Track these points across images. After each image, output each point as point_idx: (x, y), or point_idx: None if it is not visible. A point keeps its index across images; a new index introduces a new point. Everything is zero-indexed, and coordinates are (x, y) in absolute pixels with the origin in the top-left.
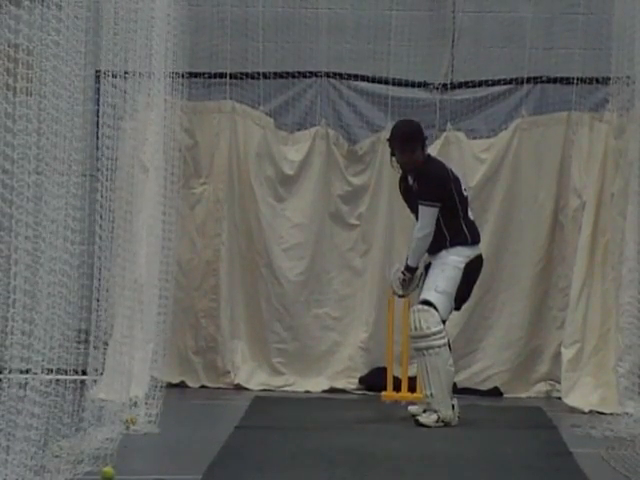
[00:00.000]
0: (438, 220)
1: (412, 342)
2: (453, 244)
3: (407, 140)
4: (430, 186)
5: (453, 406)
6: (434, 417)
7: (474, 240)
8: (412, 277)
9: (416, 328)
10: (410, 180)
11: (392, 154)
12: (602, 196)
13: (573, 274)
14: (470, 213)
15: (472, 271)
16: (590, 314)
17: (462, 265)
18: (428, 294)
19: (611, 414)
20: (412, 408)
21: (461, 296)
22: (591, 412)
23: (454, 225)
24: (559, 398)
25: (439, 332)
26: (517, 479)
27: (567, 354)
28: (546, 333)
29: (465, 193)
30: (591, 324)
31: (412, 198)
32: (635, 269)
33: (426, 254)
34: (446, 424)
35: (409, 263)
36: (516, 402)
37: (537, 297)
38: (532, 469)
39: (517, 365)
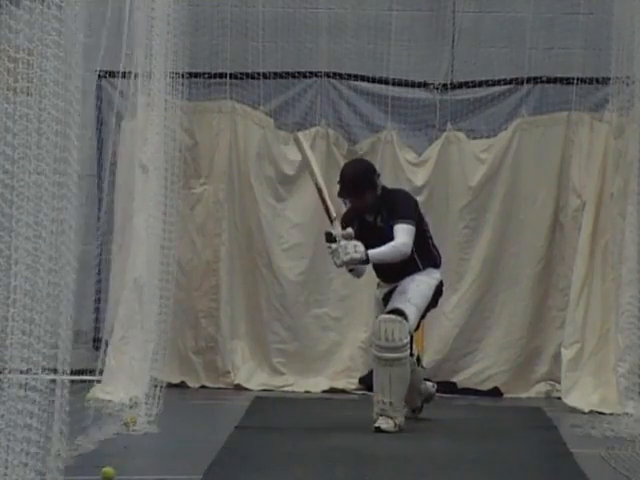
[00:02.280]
0: (412, 252)
1: (377, 351)
2: (425, 266)
3: (355, 186)
4: (406, 205)
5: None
6: (392, 423)
7: (440, 264)
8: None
9: (387, 339)
10: (370, 217)
11: (340, 196)
12: (602, 196)
13: (573, 274)
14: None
15: (437, 294)
16: (590, 314)
17: (434, 286)
18: (402, 304)
19: (611, 414)
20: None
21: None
22: (591, 412)
23: (424, 249)
24: (559, 398)
25: (407, 344)
26: (517, 479)
27: (567, 354)
28: (546, 333)
29: (426, 219)
30: (591, 324)
31: (373, 233)
32: (635, 269)
33: (385, 285)
34: (400, 429)
35: (370, 257)
36: (516, 402)
37: (537, 297)
38: (532, 469)
39: (517, 365)
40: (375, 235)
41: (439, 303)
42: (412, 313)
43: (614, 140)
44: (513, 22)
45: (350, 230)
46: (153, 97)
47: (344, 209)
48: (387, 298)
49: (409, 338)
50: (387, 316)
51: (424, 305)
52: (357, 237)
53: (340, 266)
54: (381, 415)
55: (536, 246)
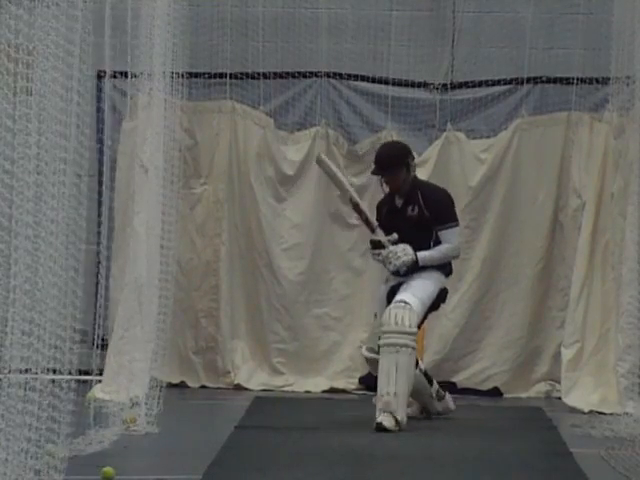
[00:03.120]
0: (429, 242)
1: (385, 337)
2: (437, 268)
3: (389, 163)
4: (451, 207)
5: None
6: (393, 421)
7: (451, 272)
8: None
9: (397, 323)
10: (399, 202)
11: (374, 173)
12: (602, 196)
13: (573, 274)
14: None
15: (439, 299)
16: (590, 314)
17: (439, 289)
18: (407, 296)
19: (611, 414)
20: (408, 410)
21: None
22: (591, 412)
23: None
24: (559, 398)
25: (415, 334)
26: (517, 479)
27: (567, 354)
28: (546, 333)
29: None
30: (591, 324)
31: (400, 220)
32: (635, 269)
33: (393, 279)
34: (400, 428)
35: (419, 259)
36: (516, 402)
37: (537, 297)
38: (532, 469)
39: (517, 365)
40: (402, 222)
41: (440, 307)
42: (417, 306)
43: (614, 140)
44: (513, 22)
45: (395, 235)
46: (153, 97)
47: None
48: (392, 292)
49: (417, 330)
50: (396, 304)
51: (429, 302)
52: (384, 221)
53: (394, 271)
54: (384, 411)
55: (536, 246)
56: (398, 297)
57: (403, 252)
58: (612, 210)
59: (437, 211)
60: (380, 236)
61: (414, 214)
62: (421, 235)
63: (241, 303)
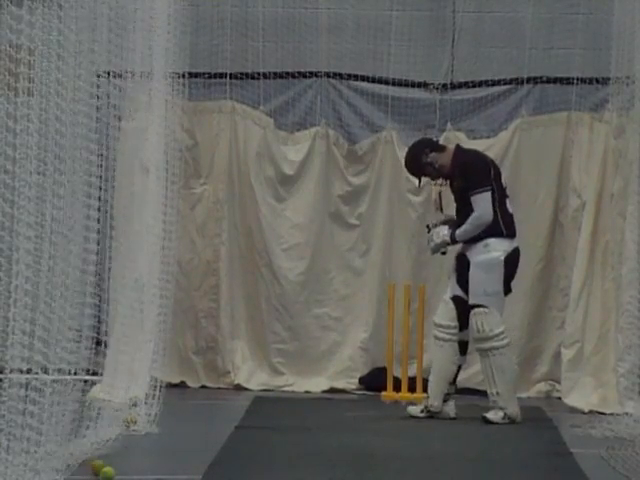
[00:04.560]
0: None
1: (475, 343)
2: (488, 235)
3: (412, 172)
4: (477, 171)
5: (446, 399)
6: (501, 414)
7: (510, 233)
8: (446, 246)
9: (479, 330)
10: (451, 182)
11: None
12: (602, 196)
13: (573, 274)
14: (509, 206)
15: (510, 264)
16: (590, 314)
17: (502, 259)
18: (481, 299)
19: (611, 414)
20: (411, 409)
21: (506, 284)
22: (591, 412)
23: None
24: (559, 398)
25: (501, 333)
26: (517, 479)
27: (567, 354)
28: (546, 333)
29: (504, 184)
30: (591, 324)
31: (455, 199)
32: (635, 269)
33: (461, 243)
34: (512, 421)
35: (457, 238)
36: None
37: (537, 297)
38: (532, 469)
39: (517, 365)
40: (454, 197)
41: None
42: (493, 303)
43: (614, 140)
44: (513, 22)
45: (446, 215)
46: (153, 97)
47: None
48: (459, 260)
49: (502, 327)
50: (475, 309)
51: (500, 285)
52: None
53: (434, 252)
54: (492, 408)
55: (536, 246)
56: (472, 300)
57: (437, 235)
58: (612, 210)
59: (463, 178)
60: (437, 217)
61: (454, 187)
62: (467, 206)
63: (241, 303)
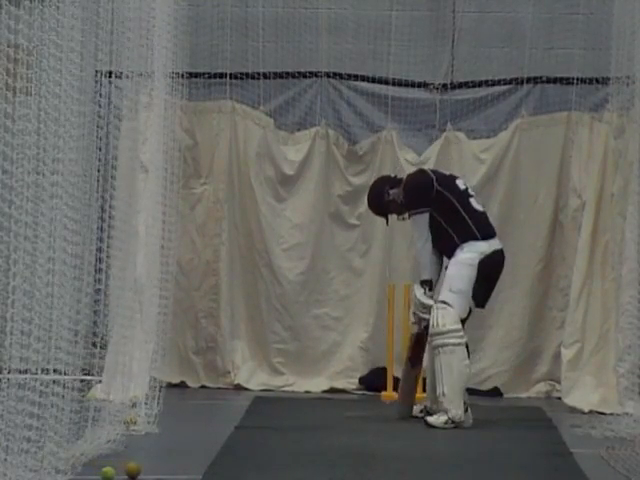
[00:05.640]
0: (440, 223)
1: (430, 340)
2: (463, 241)
3: (377, 212)
4: (410, 196)
5: (467, 408)
6: (443, 418)
7: (485, 234)
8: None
9: (434, 325)
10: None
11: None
12: (602, 196)
13: (573, 274)
14: (477, 205)
15: (489, 267)
16: (590, 314)
17: (476, 262)
18: (444, 295)
19: (611, 414)
20: (429, 419)
21: (482, 293)
22: (591, 412)
23: (457, 221)
24: (559, 398)
25: (456, 330)
26: (517, 479)
27: (567, 354)
28: (546, 333)
29: (463, 187)
30: (591, 324)
31: None
32: (635, 269)
33: (446, 259)
34: (457, 425)
35: (422, 277)
36: (516, 402)
37: (537, 297)
38: (532, 469)
39: (517, 365)
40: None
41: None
42: (455, 301)
43: (614, 140)
44: (513, 22)
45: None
46: (153, 97)
47: None
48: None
49: (458, 325)
50: (435, 304)
51: (468, 286)
52: None
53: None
54: (434, 412)
55: (536, 246)
56: (438, 297)
57: (415, 298)
58: (612, 210)
59: (405, 200)
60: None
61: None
62: (435, 232)
63: (241, 303)
